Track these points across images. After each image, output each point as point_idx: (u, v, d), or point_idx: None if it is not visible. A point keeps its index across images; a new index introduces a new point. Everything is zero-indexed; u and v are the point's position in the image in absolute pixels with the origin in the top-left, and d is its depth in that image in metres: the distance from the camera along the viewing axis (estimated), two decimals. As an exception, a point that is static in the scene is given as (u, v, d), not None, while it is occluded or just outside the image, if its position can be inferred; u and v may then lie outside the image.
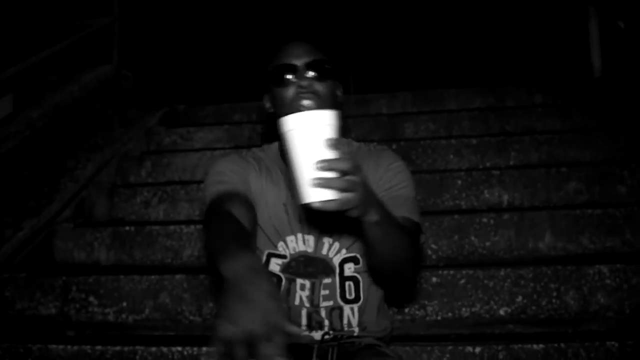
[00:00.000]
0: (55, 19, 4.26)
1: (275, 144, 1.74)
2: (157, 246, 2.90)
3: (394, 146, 3.34)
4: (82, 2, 4.37)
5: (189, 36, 5.23)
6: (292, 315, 1.60)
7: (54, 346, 2.23)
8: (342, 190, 1.13)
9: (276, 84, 1.57)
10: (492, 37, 5.15)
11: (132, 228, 2.93)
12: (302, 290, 1.60)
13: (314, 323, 1.60)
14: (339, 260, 1.60)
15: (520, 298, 2.30)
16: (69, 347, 2.22)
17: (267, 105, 1.65)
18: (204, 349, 2.13)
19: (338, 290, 1.60)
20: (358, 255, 1.61)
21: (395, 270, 1.47)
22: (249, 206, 1.53)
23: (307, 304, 1.60)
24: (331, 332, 1.59)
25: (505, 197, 2.97)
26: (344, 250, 1.60)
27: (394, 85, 4.24)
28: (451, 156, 3.32)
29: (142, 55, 4.61)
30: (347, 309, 1.61)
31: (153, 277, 2.54)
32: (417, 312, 2.35)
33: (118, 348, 2.18)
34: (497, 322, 2.26)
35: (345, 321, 1.61)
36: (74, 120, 3.64)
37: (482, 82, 4.36)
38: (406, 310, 2.36)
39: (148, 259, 2.90)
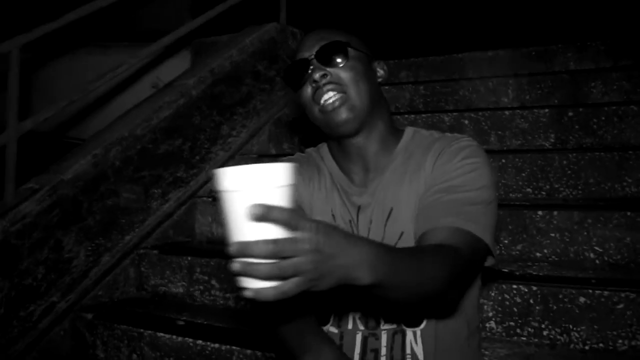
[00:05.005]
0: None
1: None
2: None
3: (570, 113, 2.78)
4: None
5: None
6: (344, 342, 1.36)
7: (162, 335, 2.21)
8: (272, 279, 0.83)
9: (292, 87, 1.39)
10: None
11: (265, 206, 2.80)
12: (354, 312, 1.36)
13: (369, 351, 1.34)
14: None
15: (702, 335, 1.75)
16: (174, 337, 2.19)
17: (300, 103, 1.44)
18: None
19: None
20: None
21: (423, 301, 1.17)
22: None
23: (361, 327, 1.35)
24: None
25: None
26: None
27: (585, 35, 3.52)
28: (644, 126, 2.67)
29: (311, 11, 4.42)
30: (409, 333, 1.32)
31: (269, 265, 2.39)
32: (559, 338, 1.91)
33: (217, 345, 2.09)
34: (664, 364, 1.75)
35: (407, 350, 1.32)
36: (232, 84, 3.58)
37: None
38: (545, 333, 1.93)
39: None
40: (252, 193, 0.82)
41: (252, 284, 0.84)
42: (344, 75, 1.32)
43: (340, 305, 1.37)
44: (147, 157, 2.98)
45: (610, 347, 1.84)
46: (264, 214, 0.81)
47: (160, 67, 4.43)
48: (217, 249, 2.72)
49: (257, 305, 0.87)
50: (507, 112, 2.91)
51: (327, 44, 1.34)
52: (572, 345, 1.89)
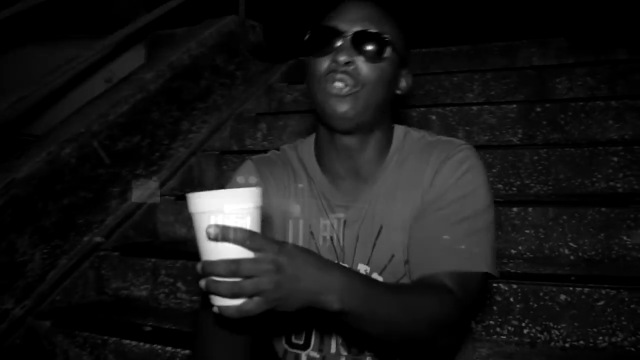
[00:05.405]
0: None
1: (312, 138, 1.36)
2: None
3: (537, 109, 2.78)
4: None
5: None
6: None
7: (128, 342, 2.11)
8: (234, 296, 0.87)
9: (311, 50, 1.21)
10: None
11: (231, 204, 2.70)
12: (337, 335, 1.26)
13: None
14: None
15: (681, 330, 1.75)
16: (141, 344, 2.08)
17: (306, 72, 1.26)
18: None
19: None
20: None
21: (407, 343, 1.10)
22: None
23: (344, 352, 1.26)
24: None
25: (679, 181, 2.32)
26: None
27: (548, 31, 3.54)
28: (610, 122, 2.67)
29: (272, 3, 4.32)
30: None
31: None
32: (539, 336, 1.89)
33: (187, 352, 1.99)
34: (645, 360, 1.75)
35: None
36: (191, 79, 3.46)
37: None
38: (525, 331, 1.91)
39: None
40: (215, 215, 0.87)
41: (218, 301, 0.89)
42: (368, 74, 1.16)
43: (322, 328, 1.27)
44: (104, 154, 2.85)
45: (591, 344, 1.83)
46: (220, 234, 0.85)
47: (116, 61, 4.27)
48: (183, 249, 2.62)
49: (226, 320, 0.90)
50: (474, 108, 2.89)
51: (371, 33, 1.17)
52: (552, 343, 1.87)
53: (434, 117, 2.94)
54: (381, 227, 1.22)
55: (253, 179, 1.30)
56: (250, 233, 0.87)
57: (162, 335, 2.11)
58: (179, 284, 2.42)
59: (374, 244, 1.23)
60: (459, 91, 3.23)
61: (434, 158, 1.21)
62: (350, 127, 1.20)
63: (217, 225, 0.85)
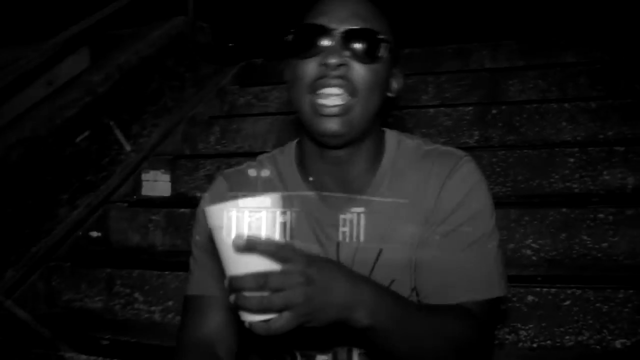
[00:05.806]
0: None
1: (292, 146, 1.25)
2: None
3: (493, 111, 2.81)
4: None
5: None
6: None
7: (85, 357, 2.00)
8: (263, 311, 0.82)
9: (295, 52, 1.08)
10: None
11: (188, 210, 2.62)
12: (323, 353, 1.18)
13: None
14: None
15: (644, 329, 1.79)
16: (100, 359, 1.98)
17: (288, 78, 1.14)
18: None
19: None
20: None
21: None
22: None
23: None
24: None
25: (631, 180, 2.38)
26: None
27: (499, 34, 3.58)
28: (564, 123, 2.73)
29: (220, 4, 4.24)
30: None
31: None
32: (507, 337, 1.90)
33: (149, 366, 1.92)
34: (609, 357, 1.77)
35: None
36: (140, 81, 3.35)
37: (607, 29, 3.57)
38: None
39: (205, 244, 2.61)
40: (227, 211, 0.82)
41: (248, 317, 0.84)
42: (363, 77, 1.05)
43: (307, 350, 1.17)
44: (52, 160, 2.73)
45: (558, 344, 1.85)
46: (248, 245, 0.80)
47: (60, 65, 4.11)
48: (139, 258, 2.52)
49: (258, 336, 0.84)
50: (431, 110, 2.90)
51: (363, 30, 1.06)
52: (520, 344, 1.88)
53: (390, 120, 2.92)
54: (381, 251, 1.12)
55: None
56: (278, 244, 0.82)
57: (122, 348, 2.02)
58: (137, 295, 2.33)
59: (372, 269, 1.11)
60: (413, 93, 3.23)
61: (436, 172, 1.12)
62: (342, 142, 1.10)
63: (243, 236, 0.80)
